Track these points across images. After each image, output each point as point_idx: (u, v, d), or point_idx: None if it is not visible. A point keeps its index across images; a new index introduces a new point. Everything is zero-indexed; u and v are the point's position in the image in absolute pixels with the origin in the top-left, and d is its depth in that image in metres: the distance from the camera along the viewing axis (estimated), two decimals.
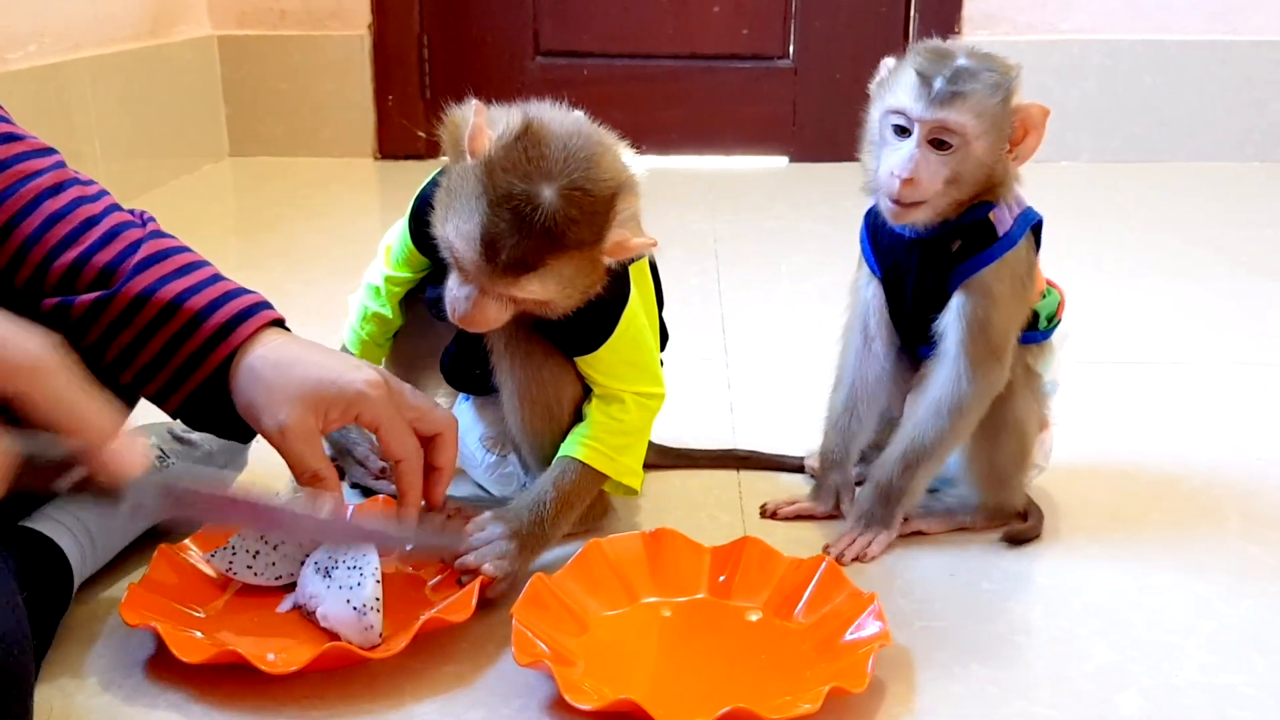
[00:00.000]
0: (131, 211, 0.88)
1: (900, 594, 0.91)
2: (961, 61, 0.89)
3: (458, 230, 0.82)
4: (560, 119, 0.85)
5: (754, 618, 0.87)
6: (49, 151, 0.88)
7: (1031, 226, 0.95)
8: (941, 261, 0.93)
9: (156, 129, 2.39)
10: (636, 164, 0.87)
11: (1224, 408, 1.33)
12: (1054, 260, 1.91)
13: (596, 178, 0.82)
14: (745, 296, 1.73)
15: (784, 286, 1.78)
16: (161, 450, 0.98)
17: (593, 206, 0.81)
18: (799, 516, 1.02)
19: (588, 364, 0.94)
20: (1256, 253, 2.01)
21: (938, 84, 0.88)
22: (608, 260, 0.85)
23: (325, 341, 1.02)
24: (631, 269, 0.92)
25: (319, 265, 1.88)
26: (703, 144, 2.77)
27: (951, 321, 0.93)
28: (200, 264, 0.86)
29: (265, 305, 0.87)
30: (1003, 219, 0.93)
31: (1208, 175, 2.62)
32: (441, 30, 2.73)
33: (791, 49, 2.77)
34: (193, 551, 0.90)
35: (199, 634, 0.82)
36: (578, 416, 0.96)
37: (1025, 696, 0.79)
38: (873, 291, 0.99)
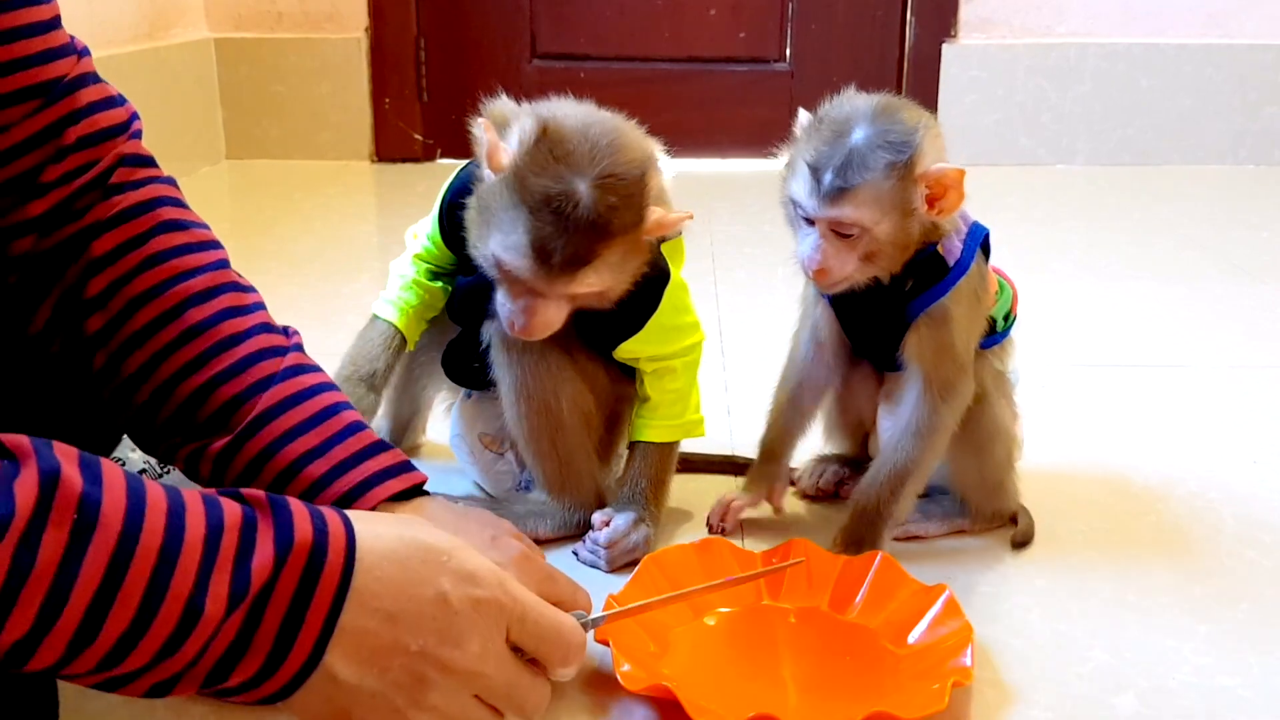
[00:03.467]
0: (282, 330, 0.79)
1: None
2: (856, 139, 0.85)
3: (503, 244, 0.84)
4: (571, 111, 0.86)
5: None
6: (213, 245, 0.79)
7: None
8: (896, 298, 0.92)
9: (153, 132, 2.35)
10: (650, 140, 0.90)
11: (1219, 411, 1.33)
12: (1049, 263, 1.94)
13: (625, 160, 0.84)
14: (742, 300, 1.73)
15: (780, 290, 1.78)
16: (147, 465, 0.98)
17: (628, 189, 0.84)
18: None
19: (631, 347, 0.95)
20: (1251, 256, 2.02)
21: (826, 179, 0.85)
22: (649, 239, 0.88)
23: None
24: (665, 246, 0.93)
25: (316, 268, 1.88)
26: (699, 147, 2.77)
27: (915, 349, 0.93)
28: (336, 409, 0.75)
29: (397, 471, 0.75)
30: (952, 248, 0.91)
31: (1202, 178, 2.63)
32: (438, 33, 2.73)
33: (788, 52, 2.77)
34: None
35: None
36: (576, 415, 0.96)
37: (1023, 699, 0.79)
38: (821, 309, 0.99)
